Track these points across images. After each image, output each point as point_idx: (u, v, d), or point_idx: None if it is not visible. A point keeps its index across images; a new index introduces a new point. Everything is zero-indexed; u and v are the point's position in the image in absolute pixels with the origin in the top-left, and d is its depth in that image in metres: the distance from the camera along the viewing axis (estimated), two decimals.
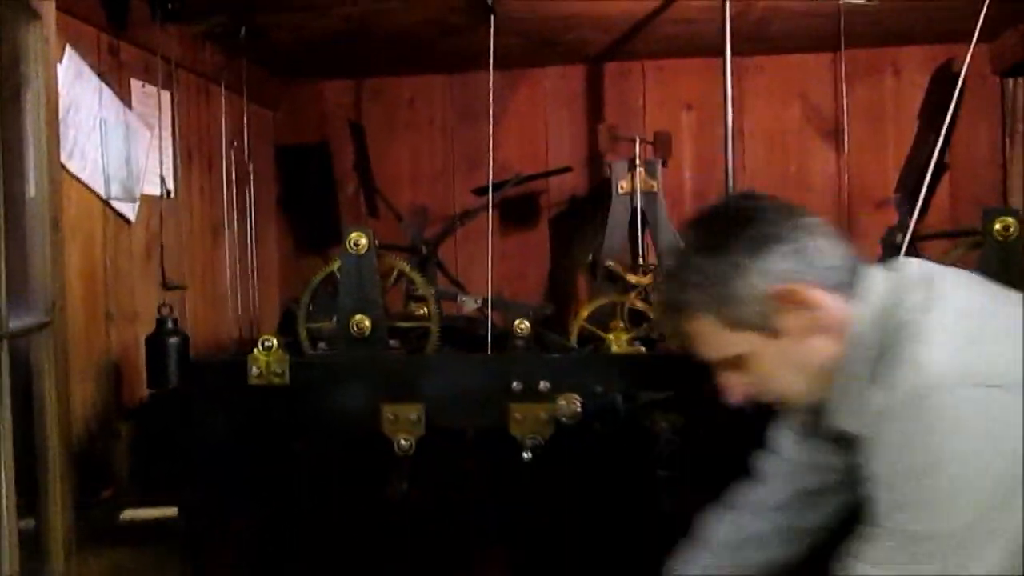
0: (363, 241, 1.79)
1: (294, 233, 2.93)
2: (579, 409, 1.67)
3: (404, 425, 1.73)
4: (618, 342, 1.80)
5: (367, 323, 1.78)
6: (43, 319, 1.50)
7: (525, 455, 1.67)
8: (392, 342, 1.82)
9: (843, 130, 2.74)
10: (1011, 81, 2.73)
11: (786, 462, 1.33)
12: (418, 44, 2.50)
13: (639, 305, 1.97)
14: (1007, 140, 2.77)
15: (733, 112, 2.78)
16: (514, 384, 1.71)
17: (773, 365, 1.09)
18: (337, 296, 1.85)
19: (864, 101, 2.74)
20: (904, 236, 2.32)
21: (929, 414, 0.95)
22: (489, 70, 2.13)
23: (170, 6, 1.95)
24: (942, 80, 2.66)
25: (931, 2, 2.27)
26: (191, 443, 1.80)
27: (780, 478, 1.33)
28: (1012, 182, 2.76)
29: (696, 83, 2.82)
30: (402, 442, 1.73)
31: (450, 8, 2.18)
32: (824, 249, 1.08)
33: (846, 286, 1.08)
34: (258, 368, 1.77)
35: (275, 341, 1.77)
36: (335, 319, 1.84)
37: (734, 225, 1.09)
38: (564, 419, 1.67)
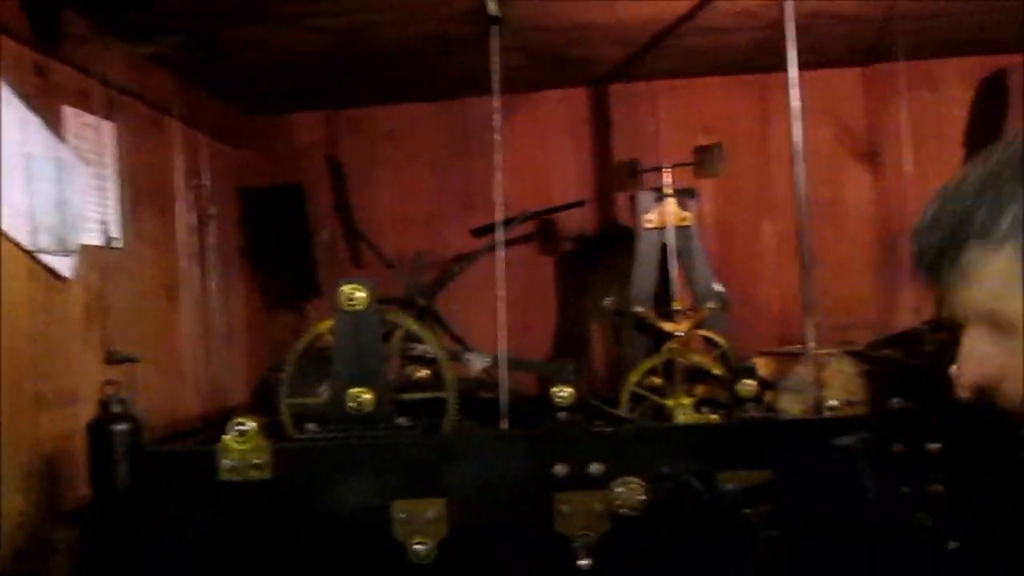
0: (361, 295, 1.43)
1: (263, 288, 2.55)
2: (643, 497, 1.32)
3: (420, 526, 1.37)
4: (682, 409, 1.46)
5: (368, 397, 1.42)
6: None
7: (581, 562, 1.31)
8: (400, 420, 1.46)
9: (881, 152, 2.47)
10: None
11: None
12: (407, 65, 2.18)
13: (696, 360, 1.64)
14: None
15: (759, 135, 2.53)
16: (558, 468, 1.37)
17: None
18: (325, 363, 1.50)
19: (900, 120, 2.45)
20: None
21: None
22: (486, 93, 1.81)
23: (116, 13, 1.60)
24: (989, 95, 2.41)
25: (972, 7, 2.00)
26: (145, 558, 1.42)
27: None
28: None
29: (714, 104, 2.53)
30: (418, 547, 1.37)
31: (449, 18, 1.86)
32: None
33: None
34: (231, 459, 1.39)
35: (252, 424, 1.40)
36: (325, 392, 1.49)
37: None
38: (624, 511, 1.33)
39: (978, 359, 0.82)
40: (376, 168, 2.57)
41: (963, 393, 0.85)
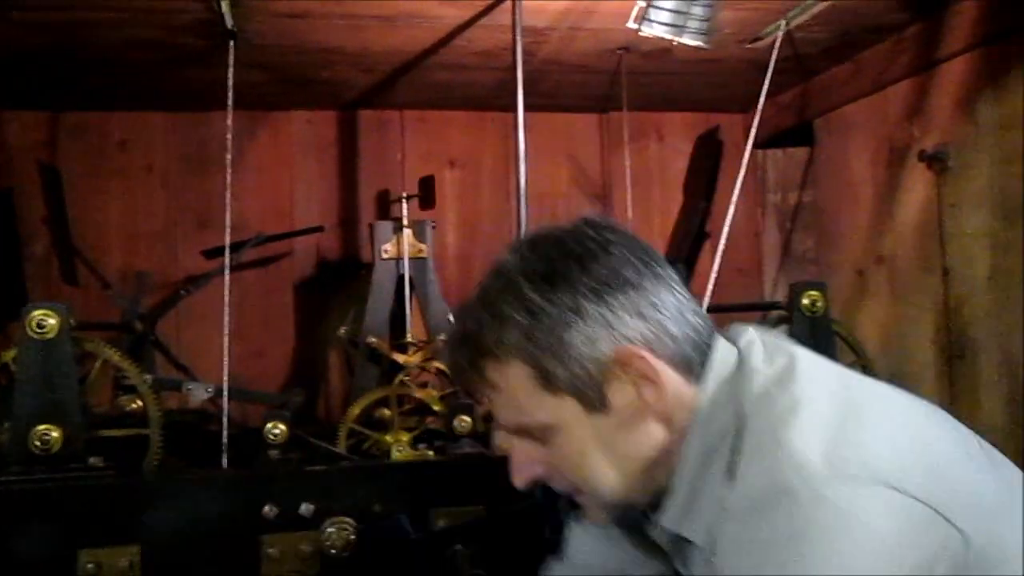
0: (51, 321, 1.32)
1: None
2: (353, 537, 1.30)
3: None
4: (399, 445, 1.46)
5: (56, 435, 1.30)
6: None
7: None
8: (93, 459, 1.35)
9: (611, 194, 2.63)
10: (762, 152, 2.76)
11: (580, 569, 1.04)
12: (136, 72, 2.04)
13: (419, 394, 1.64)
14: (762, 210, 2.79)
15: (503, 171, 2.61)
16: (267, 508, 1.32)
17: (586, 447, 0.82)
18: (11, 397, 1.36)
19: (630, 166, 2.63)
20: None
21: (797, 516, 0.69)
22: (222, 109, 1.73)
23: None
24: (704, 148, 2.63)
25: (694, 69, 2.18)
26: None
27: None
28: (765, 251, 2.78)
29: (461, 138, 2.58)
30: None
31: (182, 27, 1.76)
32: (678, 314, 0.82)
33: (694, 364, 0.82)
34: None
35: None
36: (7, 429, 1.34)
37: (583, 257, 0.81)
38: (334, 552, 1.30)
39: (526, 462, 0.85)
40: (103, 179, 2.38)
41: (521, 487, 0.87)
